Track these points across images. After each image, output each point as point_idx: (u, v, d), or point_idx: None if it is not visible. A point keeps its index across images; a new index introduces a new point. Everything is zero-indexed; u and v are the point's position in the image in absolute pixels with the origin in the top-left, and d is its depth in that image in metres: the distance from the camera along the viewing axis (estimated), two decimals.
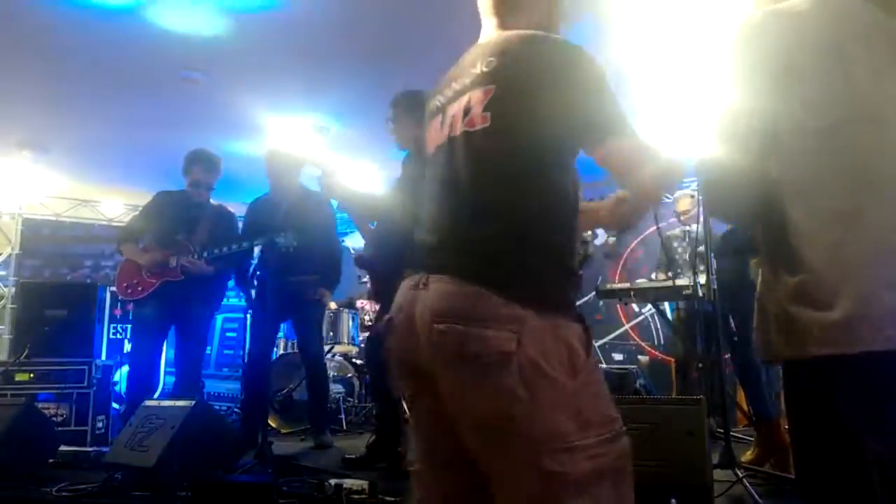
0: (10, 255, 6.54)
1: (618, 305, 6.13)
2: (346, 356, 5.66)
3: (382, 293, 3.53)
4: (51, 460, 3.35)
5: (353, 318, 5.68)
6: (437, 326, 1.14)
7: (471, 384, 1.11)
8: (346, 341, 5.57)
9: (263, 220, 4.07)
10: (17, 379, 4.62)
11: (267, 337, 4.10)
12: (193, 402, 2.83)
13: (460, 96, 1.34)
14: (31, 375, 4.63)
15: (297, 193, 4.02)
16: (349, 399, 5.48)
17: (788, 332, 1.19)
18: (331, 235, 4.13)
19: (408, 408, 1.41)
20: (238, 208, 4.54)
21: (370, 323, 5.79)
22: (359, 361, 5.65)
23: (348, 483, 2.46)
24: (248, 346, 4.22)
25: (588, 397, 1.14)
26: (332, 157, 3.24)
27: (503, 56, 1.26)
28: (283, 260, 3.85)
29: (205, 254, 3.90)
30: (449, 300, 1.15)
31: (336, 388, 5.42)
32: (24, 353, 4.61)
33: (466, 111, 1.29)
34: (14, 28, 3.99)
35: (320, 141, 3.63)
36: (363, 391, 5.58)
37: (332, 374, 5.55)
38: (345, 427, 5.20)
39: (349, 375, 5.56)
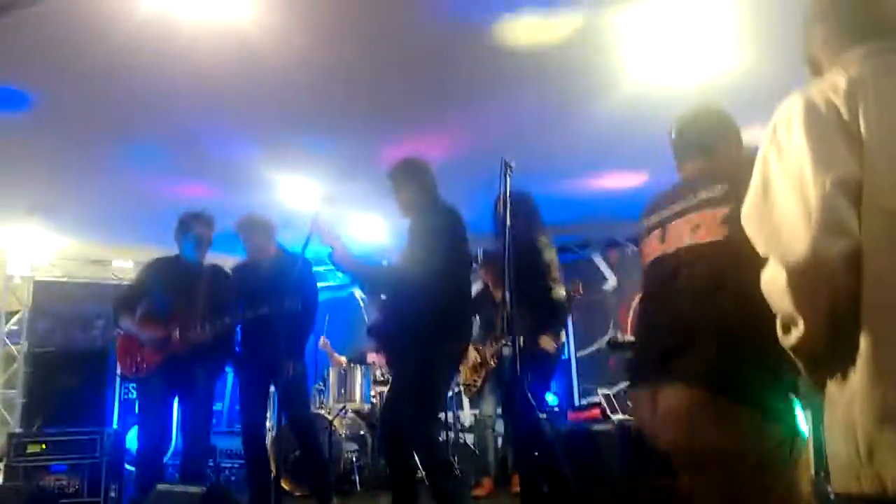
0: (21, 318, 6.55)
1: None
2: (358, 413, 5.60)
3: (395, 361, 3.51)
4: None
5: (364, 374, 5.64)
6: None
7: None
8: (357, 398, 5.53)
9: (240, 288, 4.08)
10: (29, 450, 4.61)
11: (258, 403, 4.11)
12: (206, 489, 2.78)
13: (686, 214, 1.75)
14: (44, 447, 4.61)
15: (273, 258, 4.06)
16: (362, 457, 5.41)
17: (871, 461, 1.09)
18: (310, 294, 4.07)
19: None
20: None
21: (382, 378, 5.75)
22: (372, 419, 5.58)
23: None
24: (241, 417, 4.17)
25: None
26: (338, 232, 3.27)
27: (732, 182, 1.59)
28: (261, 327, 3.86)
29: (206, 325, 3.86)
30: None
31: (349, 447, 5.36)
32: (37, 426, 4.61)
33: (696, 227, 1.68)
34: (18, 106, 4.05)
35: (326, 211, 3.66)
36: (376, 448, 5.51)
37: (344, 432, 5.49)
38: (358, 487, 5.13)
39: (362, 433, 5.49)
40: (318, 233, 3.27)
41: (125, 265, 7.06)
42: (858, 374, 1.12)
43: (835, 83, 1.22)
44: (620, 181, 5.70)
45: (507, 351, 4.40)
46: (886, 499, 1.08)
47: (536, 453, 3.61)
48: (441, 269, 3.05)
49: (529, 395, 3.47)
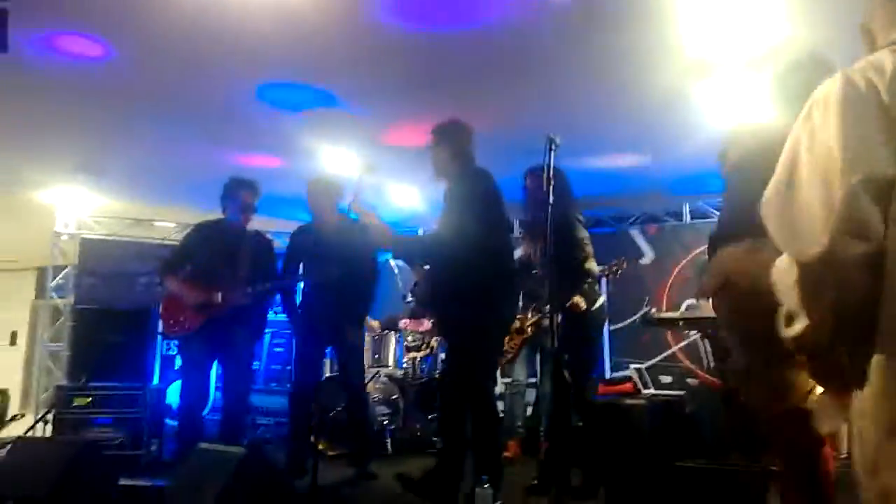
0: (68, 273, 6.77)
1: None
2: (391, 377, 5.70)
3: (443, 326, 3.56)
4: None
5: (398, 340, 5.72)
6: None
7: None
8: (391, 363, 5.61)
9: (305, 250, 4.16)
10: (75, 403, 4.80)
11: (313, 364, 4.21)
12: (245, 450, 2.88)
13: None
14: (90, 400, 4.80)
15: (338, 222, 4.07)
16: (394, 421, 5.51)
17: None
18: (371, 263, 4.15)
19: None
20: (281, 224, 4.55)
21: (414, 344, 5.83)
22: (404, 383, 5.67)
23: None
24: (294, 375, 4.30)
25: None
26: (372, 208, 3.32)
27: None
28: (325, 290, 3.97)
29: (248, 289, 3.96)
30: None
31: (381, 411, 5.46)
32: (83, 380, 4.79)
33: None
34: (72, 59, 4.10)
35: (368, 179, 3.69)
36: (408, 413, 5.61)
37: (377, 396, 5.60)
38: (390, 451, 5.23)
39: (394, 397, 5.59)
40: (355, 208, 3.32)
41: (167, 225, 7.21)
42: (872, 384, 1.08)
43: (880, 63, 1.14)
44: (660, 156, 5.60)
45: (545, 322, 4.47)
46: None
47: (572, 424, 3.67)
48: (481, 235, 3.08)
49: (567, 370, 3.52)
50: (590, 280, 3.97)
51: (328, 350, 4.57)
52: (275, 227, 6.02)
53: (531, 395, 4.95)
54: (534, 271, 4.17)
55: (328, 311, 3.98)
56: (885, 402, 1.06)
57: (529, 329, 4.68)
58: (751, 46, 3.79)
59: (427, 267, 3.65)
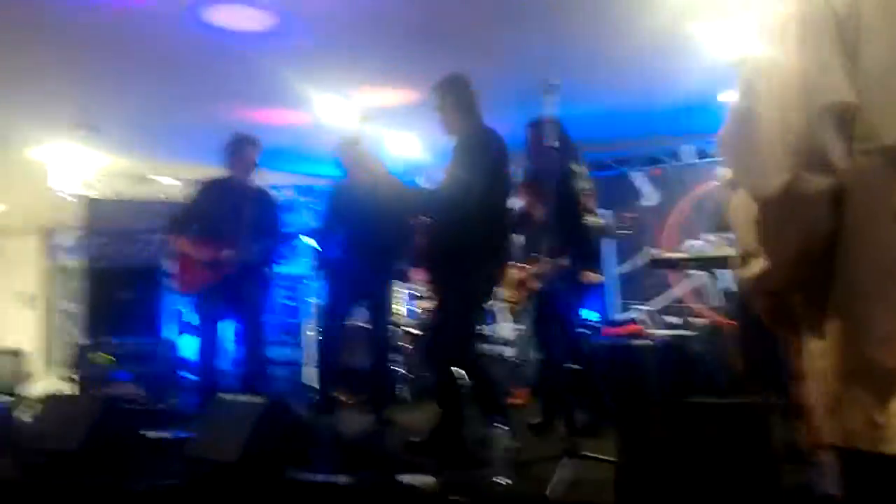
0: (77, 235, 6.78)
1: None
2: (401, 326, 5.78)
3: (437, 281, 3.61)
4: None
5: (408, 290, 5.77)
6: None
7: None
8: (402, 313, 5.67)
9: (342, 206, 4.19)
10: (95, 360, 4.91)
11: (342, 315, 4.37)
12: (268, 400, 2.97)
13: None
14: (109, 357, 4.90)
15: (374, 179, 4.10)
16: (407, 369, 5.62)
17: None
18: (404, 220, 4.14)
19: None
20: (282, 177, 4.50)
21: (425, 294, 5.88)
22: (416, 331, 5.76)
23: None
24: (323, 324, 4.44)
25: None
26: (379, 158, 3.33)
27: None
28: (360, 246, 4.04)
29: (255, 246, 4.02)
30: None
31: (394, 358, 5.56)
32: (101, 337, 4.88)
33: None
34: (63, 15, 4.02)
35: (366, 130, 3.69)
36: (417, 359, 5.72)
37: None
38: (405, 397, 5.36)
39: (407, 346, 5.68)
40: (357, 160, 3.33)
41: (171, 182, 7.19)
42: (833, 326, 1.05)
43: None
44: (663, 97, 5.54)
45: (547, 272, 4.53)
46: (850, 451, 1.04)
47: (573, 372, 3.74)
48: (483, 192, 3.11)
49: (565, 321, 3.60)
50: (596, 247, 3.96)
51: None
52: (273, 181, 6.02)
53: None
54: (533, 221, 4.20)
55: (361, 266, 4.09)
56: (847, 345, 1.03)
57: (533, 281, 4.73)
58: None
59: (424, 219, 3.65)
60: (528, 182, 4.48)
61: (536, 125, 3.77)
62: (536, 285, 4.74)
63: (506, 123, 3.49)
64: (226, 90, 5.36)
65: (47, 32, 4.19)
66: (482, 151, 3.19)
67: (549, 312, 3.92)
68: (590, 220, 3.91)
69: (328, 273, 4.38)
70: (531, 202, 4.20)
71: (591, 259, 4.05)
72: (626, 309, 6.44)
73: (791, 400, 2.77)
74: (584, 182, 3.93)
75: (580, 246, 3.84)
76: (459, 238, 3.17)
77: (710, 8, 4.07)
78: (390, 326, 4.76)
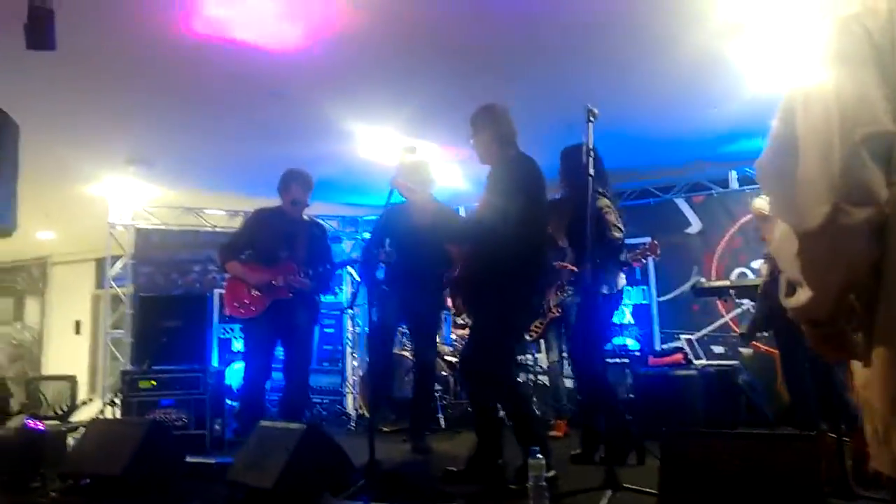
0: (126, 263, 7.01)
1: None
2: (440, 355, 5.76)
3: (472, 309, 3.60)
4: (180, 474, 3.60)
5: (445, 318, 5.77)
6: None
7: None
8: (439, 340, 5.66)
9: (396, 228, 4.25)
10: (141, 386, 5.01)
11: (388, 341, 4.43)
12: (306, 426, 2.98)
13: None
14: (154, 383, 5.00)
15: (430, 205, 4.23)
16: (445, 397, 5.59)
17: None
18: (448, 247, 4.13)
19: None
20: (327, 208, 4.62)
21: (462, 322, 5.87)
22: (453, 359, 5.74)
23: None
24: (370, 354, 4.50)
25: None
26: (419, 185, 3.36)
27: None
28: (410, 272, 4.12)
29: (309, 271, 4.09)
30: None
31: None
32: (147, 364, 4.98)
33: None
34: (121, 54, 4.22)
35: (409, 161, 3.73)
36: (459, 388, 5.69)
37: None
38: (443, 426, 5.33)
39: (444, 374, 5.66)
40: (401, 187, 3.36)
41: (217, 213, 7.40)
42: (876, 355, 1.04)
43: (874, 5, 1.04)
44: (705, 124, 5.49)
45: (570, 300, 4.49)
46: None
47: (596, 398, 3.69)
48: (519, 220, 3.09)
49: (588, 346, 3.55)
50: (615, 253, 3.90)
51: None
52: (320, 211, 6.14)
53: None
54: (557, 246, 4.18)
55: (411, 293, 4.16)
56: (889, 374, 1.02)
57: (556, 310, 4.70)
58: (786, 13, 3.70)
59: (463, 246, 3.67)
60: (552, 207, 4.48)
61: (568, 152, 3.81)
62: (557, 315, 4.72)
63: (547, 150, 3.53)
64: (272, 125, 5.52)
65: (103, 68, 4.38)
66: (517, 178, 3.20)
67: (575, 338, 3.88)
68: (612, 234, 3.84)
69: (376, 299, 4.36)
70: (555, 227, 4.17)
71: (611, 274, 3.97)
72: (670, 338, 6.35)
73: (845, 430, 2.67)
74: (602, 200, 3.89)
75: (601, 265, 3.77)
76: (495, 264, 3.17)
77: (754, 37, 4.04)
78: (435, 355, 4.74)
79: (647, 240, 4.13)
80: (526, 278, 3.16)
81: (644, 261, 4.20)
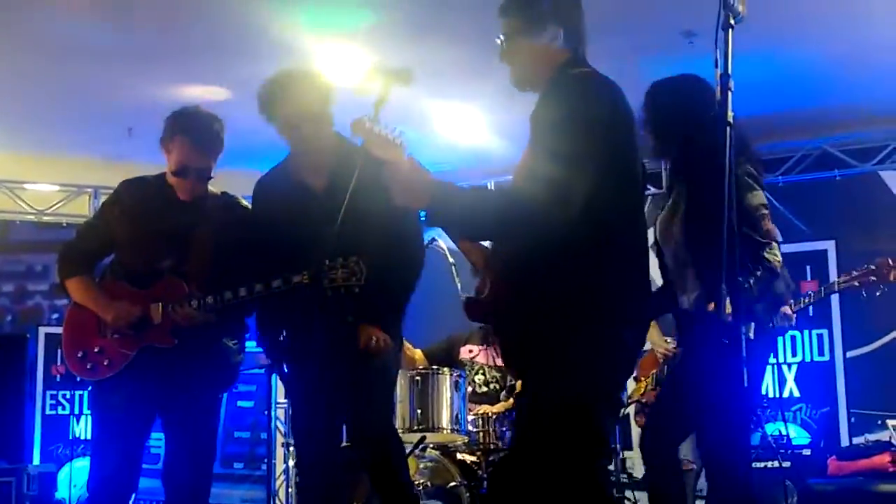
0: None
1: None
2: (444, 450, 5.72)
3: (511, 356, 3.56)
4: None
5: (457, 382, 5.72)
6: None
7: None
8: (445, 424, 5.61)
9: (275, 213, 4.20)
10: None
11: (323, 427, 4.22)
12: None
13: None
14: None
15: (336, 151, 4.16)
16: None
17: None
18: (406, 228, 4.20)
19: None
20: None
21: (486, 389, 5.84)
22: (470, 458, 5.69)
23: None
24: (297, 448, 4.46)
25: None
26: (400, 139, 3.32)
27: None
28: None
29: (208, 299, 4.02)
30: None
31: None
32: None
33: None
34: None
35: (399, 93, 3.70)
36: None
37: (421, 481, 5.60)
38: None
39: (452, 485, 5.61)
40: (371, 137, 3.31)
41: (49, 189, 7.37)
42: None
43: None
44: None
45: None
46: None
47: None
48: (590, 191, 3.02)
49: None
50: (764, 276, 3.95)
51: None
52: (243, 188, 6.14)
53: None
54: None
55: (322, 327, 4.02)
56: None
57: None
58: None
59: (489, 245, 3.61)
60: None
61: (659, 90, 3.92)
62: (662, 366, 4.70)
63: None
64: (155, 37, 5.53)
65: None
66: (579, 112, 3.12)
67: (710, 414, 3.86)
68: (770, 258, 3.86)
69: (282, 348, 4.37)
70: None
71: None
72: (868, 426, 6.29)
73: None
74: (757, 194, 3.91)
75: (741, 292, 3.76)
76: (544, 278, 3.10)
77: None
78: (391, 421, 4.70)
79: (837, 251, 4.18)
80: (612, 304, 3.10)
81: (864, 294, 4.31)
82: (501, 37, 3.30)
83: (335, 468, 4.41)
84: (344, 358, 4.07)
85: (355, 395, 4.21)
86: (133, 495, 4.42)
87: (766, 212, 3.78)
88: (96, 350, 4.12)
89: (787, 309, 4.15)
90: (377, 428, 4.33)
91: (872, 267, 4.20)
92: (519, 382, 5.68)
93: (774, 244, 3.78)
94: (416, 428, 5.61)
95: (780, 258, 3.79)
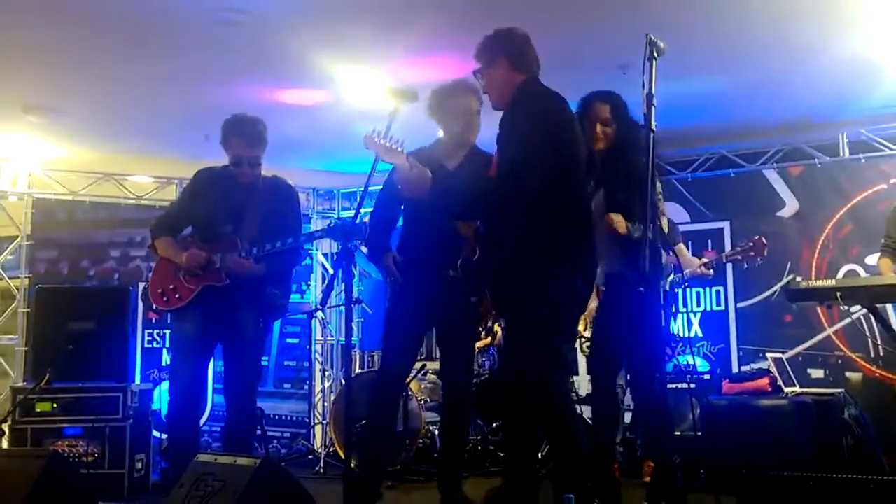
0: (19, 244, 6.96)
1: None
2: (439, 374, 5.74)
3: (497, 303, 3.58)
4: None
5: None
6: None
7: None
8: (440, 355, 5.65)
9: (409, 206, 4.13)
10: (38, 409, 5.02)
11: (406, 350, 4.09)
12: (258, 462, 2.97)
13: None
14: (55, 405, 5.02)
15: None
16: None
17: None
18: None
19: None
20: (292, 176, 4.61)
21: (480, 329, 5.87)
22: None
23: None
24: (382, 360, 4.25)
25: None
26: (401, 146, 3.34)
27: None
28: (428, 245, 3.94)
29: (253, 250, 4.05)
30: None
31: (429, 418, 5.56)
32: (45, 379, 4.99)
33: None
34: None
35: (405, 111, 3.69)
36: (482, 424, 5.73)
37: (423, 398, 5.68)
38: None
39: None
40: (376, 147, 3.32)
41: (143, 180, 7.41)
42: None
43: None
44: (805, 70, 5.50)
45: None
46: None
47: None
48: (543, 174, 3.09)
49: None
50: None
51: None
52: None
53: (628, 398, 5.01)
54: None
55: (429, 276, 3.95)
56: None
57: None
58: None
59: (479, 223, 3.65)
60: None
61: (591, 101, 3.96)
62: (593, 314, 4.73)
63: None
64: (220, 64, 5.51)
65: None
66: (533, 119, 3.19)
67: (636, 349, 3.90)
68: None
69: (388, 296, 4.26)
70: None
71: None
72: (752, 357, 6.36)
73: None
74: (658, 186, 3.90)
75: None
76: (514, 242, 3.19)
77: None
78: (472, 377, 4.59)
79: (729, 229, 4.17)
80: (566, 250, 3.17)
81: (745, 265, 4.23)
82: (480, 73, 3.40)
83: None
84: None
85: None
86: (206, 405, 4.48)
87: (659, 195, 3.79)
88: (171, 287, 4.23)
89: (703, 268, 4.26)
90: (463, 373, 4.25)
91: (751, 244, 4.20)
92: (497, 326, 5.74)
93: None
94: (421, 357, 5.66)
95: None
